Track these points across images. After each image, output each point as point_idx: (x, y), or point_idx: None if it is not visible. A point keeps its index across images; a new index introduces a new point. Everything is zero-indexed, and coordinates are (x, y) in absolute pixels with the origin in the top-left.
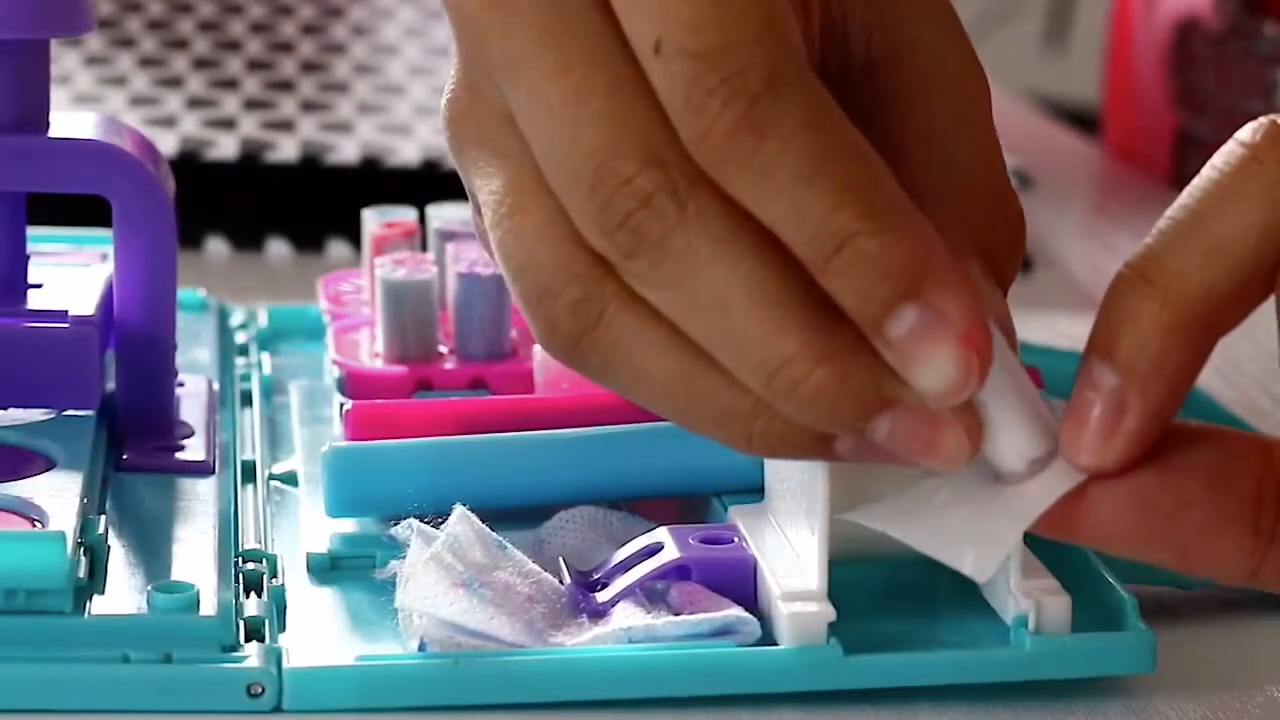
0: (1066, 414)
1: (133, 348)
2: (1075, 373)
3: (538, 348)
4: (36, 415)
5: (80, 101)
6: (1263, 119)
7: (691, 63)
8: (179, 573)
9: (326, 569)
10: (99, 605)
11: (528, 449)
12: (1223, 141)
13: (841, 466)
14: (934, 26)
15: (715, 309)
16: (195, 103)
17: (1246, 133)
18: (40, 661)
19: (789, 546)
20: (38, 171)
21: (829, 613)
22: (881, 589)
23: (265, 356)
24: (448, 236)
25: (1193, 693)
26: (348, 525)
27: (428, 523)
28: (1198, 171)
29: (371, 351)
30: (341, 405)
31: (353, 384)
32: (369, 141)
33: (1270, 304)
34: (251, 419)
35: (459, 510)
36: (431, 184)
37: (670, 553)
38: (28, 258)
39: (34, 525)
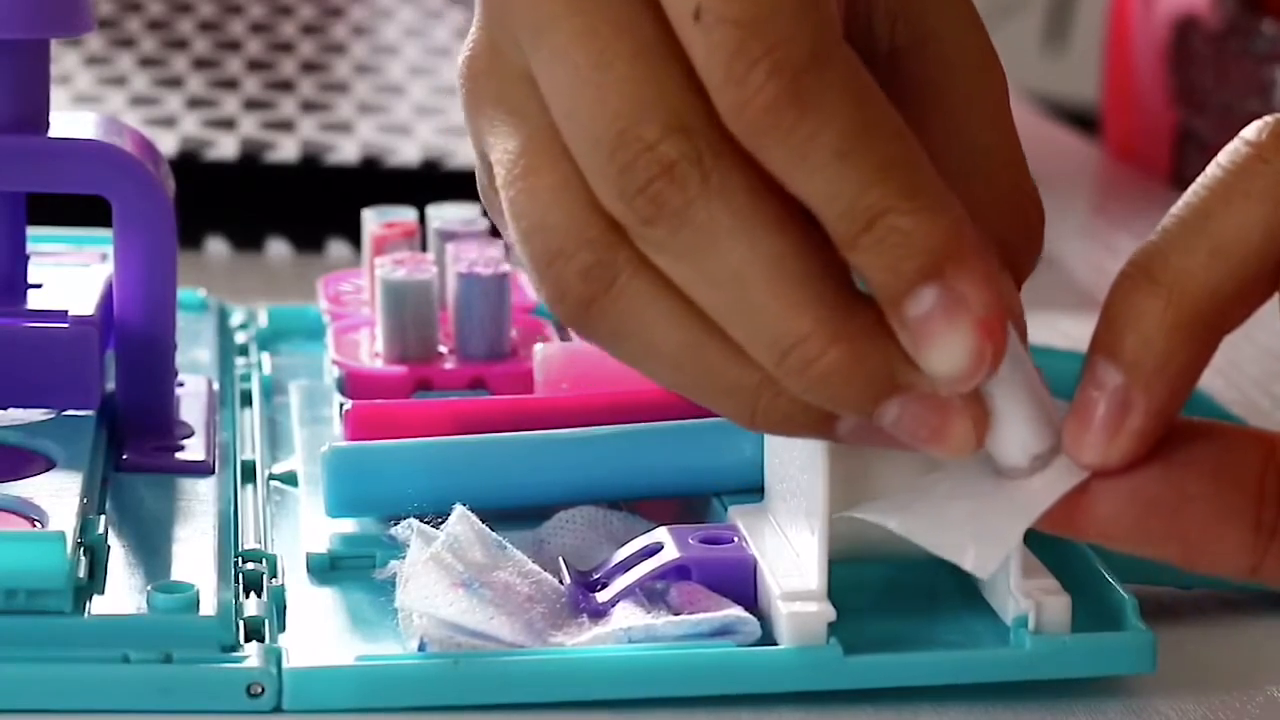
0: (1070, 412)
1: (133, 348)
2: (1078, 372)
3: (538, 347)
4: (36, 415)
5: (80, 101)
6: (1268, 118)
7: (734, 31)
8: (179, 573)
9: (326, 569)
10: (99, 605)
11: (528, 449)
12: (1223, 140)
13: (841, 466)
14: (956, 17)
15: (732, 282)
16: (195, 103)
17: (1252, 131)
18: (40, 661)
19: (789, 546)
20: (38, 171)
21: (829, 613)
22: (881, 589)
23: (265, 356)
24: (448, 236)
25: (1193, 693)
26: (348, 525)
27: (428, 523)
28: (1198, 171)
29: (371, 351)
30: (341, 405)
31: (353, 384)
32: (369, 141)
33: (1272, 304)
34: (251, 419)
35: (459, 510)
36: (431, 184)
37: (670, 553)
38: (28, 258)
39: (34, 525)
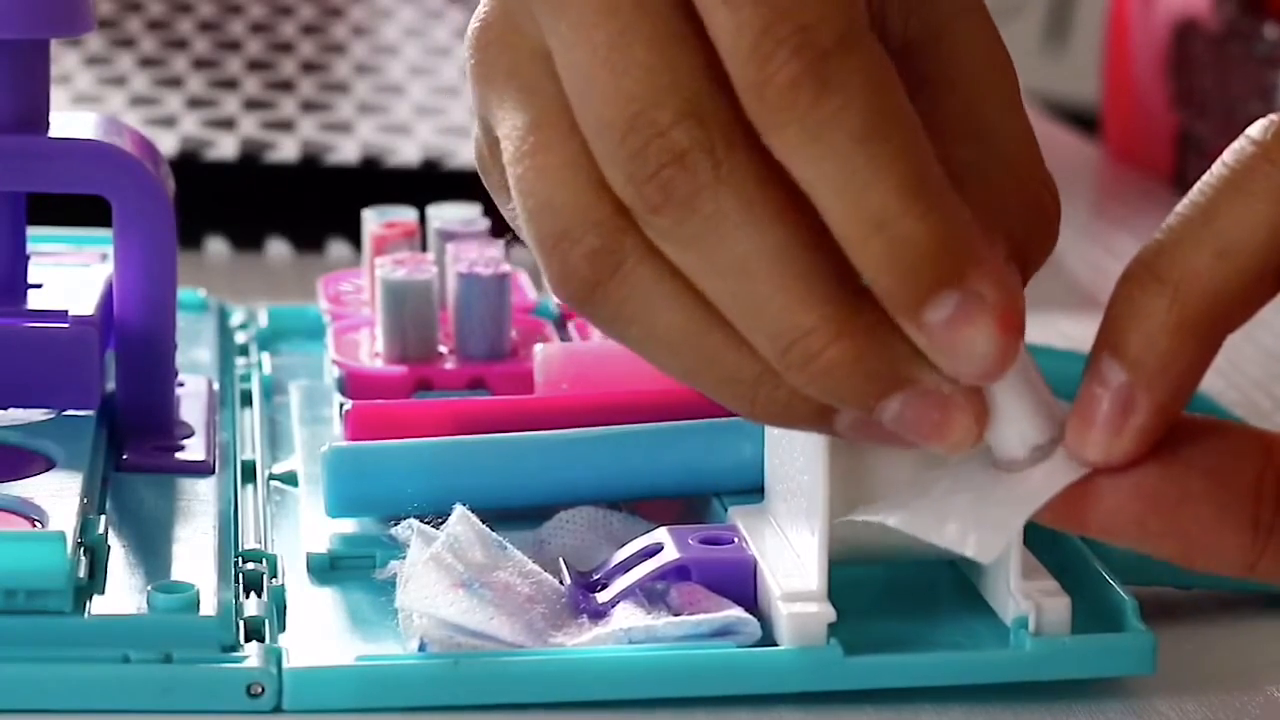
0: (1074, 410)
1: (133, 348)
2: (1078, 372)
3: (538, 347)
4: (36, 415)
5: (80, 101)
6: (1273, 116)
7: (764, 10)
8: (179, 573)
9: (326, 569)
10: (99, 605)
11: (528, 449)
12: (1224, 144)
13: (841, 467)
14: (967, 11)
15: (738, 273)
16: (195, 103)
17: (1257, 130)
18: (40, 661)
19: (789, 547)
20: (38, 171)
21: (829, 613)
22: (881, 590)
23: (265, 356)
24: (448, 236)
25: (1193, 693)
26: (348, 525)
27: (428, 523)
28: (1199, 174)
29: (371, 351)
30: (341, 405)
31: (353, 384)
32: (369, 141)
33: (1273, 303)
34: (251, 419)
35: (459, 510)
36: (431, 184)
37: (670, 553)
38: (28, 258)
39: (34, 525)
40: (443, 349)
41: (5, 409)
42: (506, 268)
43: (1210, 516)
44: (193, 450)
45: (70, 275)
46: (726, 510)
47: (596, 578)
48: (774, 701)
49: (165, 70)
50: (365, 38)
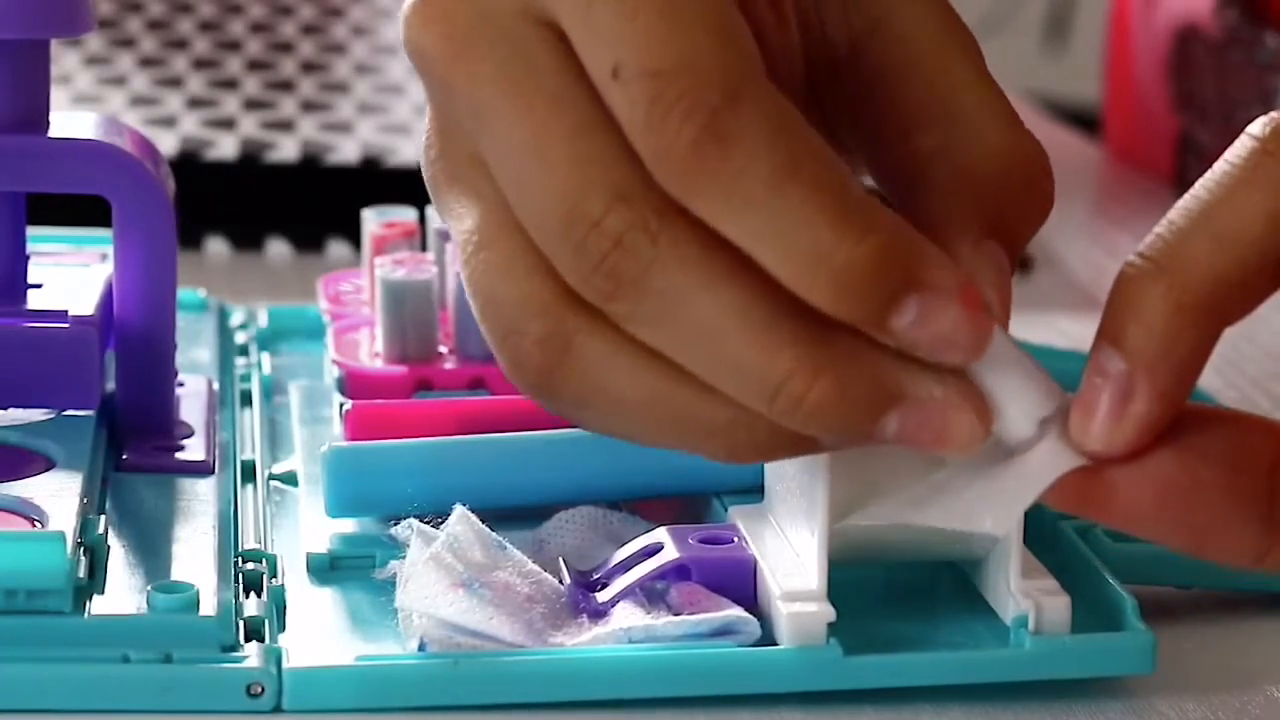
0: (1076, 401)
1: (133, 348)
2: (1078, 372)
3: None
4: (36, 415)
5: (80, 101)
6: (1274, 113)
7: (650, 82)
8: (179, 573)
9: (326, 569)
10: (99, 605)
11: (528, 449)
12: (1224, 147)
13: (841, 468)
14: None
15: (705, 339)
16: (195, 103)
17: (1257, 126)
18: (40, 661)
19: (789, 546)
20: (38, 171)
21: (829, 613)
22: (881, 589)
23: (265, 356)
24: (448, 236)
25: (1193, 693)
26: (348, 525)
27: (428, 523)
28: (1199, 175)
29: (371, 351)
30: (341, 405)
31: (353, 384)
32: (369, 141)
33: (1273, 301)
34: (251, 419)
35: (459, 510)
36: None
37: (670, 553)
38: (28, 258)
39: (34, 525)
40: (443, 349)
41: (5, 409)
42: None
43: (1222, 505)
44: (192, 450)
45: (70, 275)
46: (726, 510)
47: (596, 577)
48: (774, 701)
49: (165, 70)
50: (365, 38)
